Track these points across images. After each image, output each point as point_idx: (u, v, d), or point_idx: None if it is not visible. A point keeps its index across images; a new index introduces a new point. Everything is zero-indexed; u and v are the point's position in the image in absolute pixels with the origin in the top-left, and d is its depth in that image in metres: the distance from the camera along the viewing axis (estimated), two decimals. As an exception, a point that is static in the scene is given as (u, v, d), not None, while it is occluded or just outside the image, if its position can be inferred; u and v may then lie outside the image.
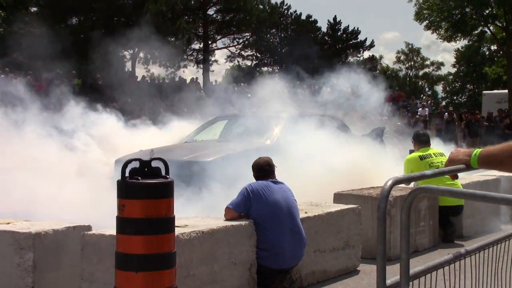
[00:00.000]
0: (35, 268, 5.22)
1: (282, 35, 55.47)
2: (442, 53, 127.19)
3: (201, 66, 48.58)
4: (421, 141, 9.30)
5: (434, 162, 8.92)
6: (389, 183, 2.58)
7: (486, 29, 40.32)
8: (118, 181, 3.98)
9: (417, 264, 2.99)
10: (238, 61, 54.98)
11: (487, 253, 3.44)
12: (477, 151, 2.77)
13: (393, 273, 2.81)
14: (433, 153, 9.13)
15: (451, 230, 8.76)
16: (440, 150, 9.59)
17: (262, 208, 6.04)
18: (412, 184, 6.42)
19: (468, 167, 2.80)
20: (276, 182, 6.32)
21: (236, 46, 53.29)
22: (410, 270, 2.77)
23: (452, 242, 8.57)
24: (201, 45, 48.97)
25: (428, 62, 75.75)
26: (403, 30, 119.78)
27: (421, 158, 9.01)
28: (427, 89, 73.35)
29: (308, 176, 9.23)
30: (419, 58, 76.16)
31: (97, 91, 20.66)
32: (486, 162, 2.72)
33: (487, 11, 37.75)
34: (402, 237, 2.66)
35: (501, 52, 42.36)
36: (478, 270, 3.40)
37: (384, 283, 2.65)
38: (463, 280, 3.35)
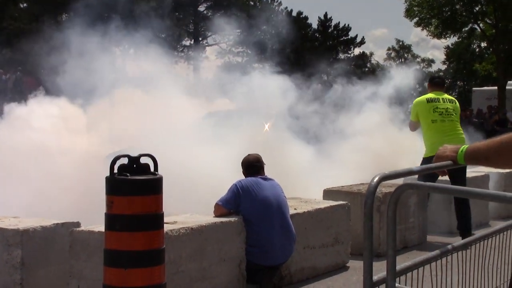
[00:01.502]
0: (23, 265, 5.20)
1: (273, 32, 55.43)
2: (431, 50, 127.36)
3: (192, 62, 48.47)
4: (434, 83, 8.93)
5: (439, 108, 8.54)
6: (376, 179, 2.59)
7: (476, 26, 40.43)
8: (107, 177, 3.98)
9: (406, 260, 3.00)
10: (228, 58, 54.92)
11: (474, 249, 3.45)
12: (464, 147, 2.79)
13: (382, 269, 2.82)
14: (442, 98, 8.68)
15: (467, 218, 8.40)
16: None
17: (252, 204, 6.05)
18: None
19: (455, 163, 2.82)
20: (266, 179, 6.33)
21: (227, 43, 53.22)
22: (398, 266, 2.78)
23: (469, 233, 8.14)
24: (192, 42, 48.89)
25: (419, 59, 75.97)
26: (392, 27, 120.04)
27: (428, 100, 8.61)
28: (417, 86, 73.52)
29: None
30: (409, 55, 76.34)
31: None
32: (473, 158, 2.74)
33: (477, 8, 37.84)
34: (389, 233, 2.67)
35: (491, 49, 42.49)
36: (465, 265, 3.41)
37: (371, 279, 2.66)
38: (450, 276, 3.37)
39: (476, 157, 2.72)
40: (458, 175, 8.04)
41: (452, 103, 8.71)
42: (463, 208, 8.39)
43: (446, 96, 8.83)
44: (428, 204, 8.64)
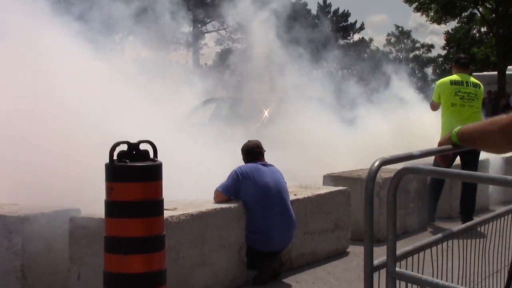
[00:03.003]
0: (24, 251, 5.21)
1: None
2: (430, 35, 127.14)
3: (191, 49, 48.34)
4: (460, 64, 8.64)
5: (461, 91, 8.34)
6: (376, 163, 2.59)
7: (475, 10, 40.32)
8: (106, 164, 3.97)
9: (406, 245, 3.00)
10: (228, 44, 54.77)
11: (474, 234, 3.45)
12: (457, 128, 2.78)
13: (382, 254, 2.81)
14: (467, 81, 8.43)
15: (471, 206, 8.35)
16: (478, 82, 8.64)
17: (252, 190, 6.05)
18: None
19: (454, 146, 2.80)
20: (266, 165, 6.33)
21: (226, 29, 53.08)
22: (398, 251, 2.78)
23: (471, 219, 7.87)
24: (191, 28, 48.73)
25: (418, 45, 75.88)
26: (390, 13, 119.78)
27: (452, 82, 8.43)
28: (417, 72, 73.49)
29: None
30: (409, 41, 76.25)
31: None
32: (463, 139, 2.73)
33: (476, -7, 37.77)
34: (389, 218, 2.67)
35: (491, 34, 42.39)
36: (466, 250, 3.41)
37: (371, 264, 2.66)
38: (451, 261, 3.37)
39: (465, 138, 2.71)
40: (470, 161, 8.00)
41: (476, 87, 8.48)
42: (469, 193, 8.37)
43: (471, 79, 8.60)
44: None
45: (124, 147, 3.97)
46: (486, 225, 3.52)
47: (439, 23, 40.82)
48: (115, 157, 3.95)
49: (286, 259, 6.37)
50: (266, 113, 11.80)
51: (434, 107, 8.88)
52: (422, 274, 2.82)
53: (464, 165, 8.11)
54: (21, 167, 6.78)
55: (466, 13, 41.17)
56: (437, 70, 70.45)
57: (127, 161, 3.92)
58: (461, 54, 9.67)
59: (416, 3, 38.89)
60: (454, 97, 8.37)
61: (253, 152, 6.38)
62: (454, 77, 8.56)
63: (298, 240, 6.49)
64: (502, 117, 2.50)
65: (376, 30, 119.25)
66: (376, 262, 2.72)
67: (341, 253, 7.09)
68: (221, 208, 5.78)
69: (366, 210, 2.66)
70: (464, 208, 8.39)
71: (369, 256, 2.66)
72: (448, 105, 8.40)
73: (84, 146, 7.08)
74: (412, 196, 8.24)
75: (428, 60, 74.69)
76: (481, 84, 8.63)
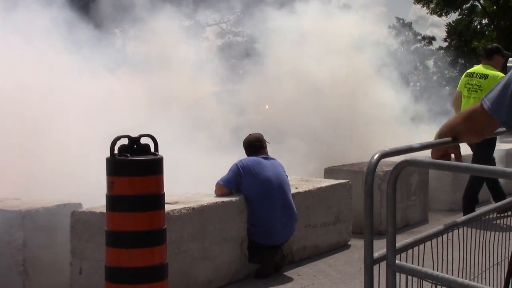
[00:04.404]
0: (25, 246, 5.22)
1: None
2: (430, 27, 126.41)
3: (192, 43, 48.25)
4: (481, 55, 8.79)
5: (469, 83, 8.35)
6: (376, 156, 2.59)
7: (476, 2, 40.25)
8: (107, 158, 3.97)
9: (407, 238, 3.00)
10: (229, 38, 54.64)
11: (475, 226, 3.45)
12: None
13: (383, 247, 2.82)
14: (477, 73, 8.38)
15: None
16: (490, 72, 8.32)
17: (253, 184, 6.06)
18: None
19: (454, 139, 2.80)
20: (268, 158, 6.33)
21: (227, 23, 52.97)
22: (398, 243, 2.78)
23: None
24: (192, 22, 48.66)
25: (419, 37, 75.64)
26: (390, 5, 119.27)
27: (466, 75, 8.47)
28: (418, 64, 73.31)
29: None
30: (410, 33, 76.01)
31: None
32: (440, 135, 2.80)
33: (477, -15, 37.71)
34: (389, 210, 2.67)
35: (492, 26, 42.30)
36: (466, 242, 3.41)
37: (372, 256, 2.66)
38: (451, 253, 3.37)
39: (441, 133, 2.76)
40: (480, 153, 7.95)
41: (482, 78, 8.28)
42: (474, 186, 8.35)
43: (482, 70, 8.40)
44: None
45: (125, 141, 3.97)
46: (487, 217, 3.52)
47: (440, 15, 40.77)
48: (116, 151, 3.95)
49: (287, 252, 6.38)
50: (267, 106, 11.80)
51: (455, 98, 8.78)
52: (422, 266, 2.82)
53: (474, 159, 8.09)
54: (23, 162, 6.80)
55: (467, 5, 41.09)
56: (439, 62, 70.29)
57: (128, 155, 3.93)
58: (488, 44, 9.66)
59: (417, -5, 38.85)
60: (464, 89, 8.45)
61: (254, 145, 6.38)
62: (472, 68, 8.63)
63: (300, 233, 6.50)
64: (467, 109, 2.66)
65: (376, 23, 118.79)
66: (376, 254, 2.72)
67: (343, 246, 7.10)
68: (222, 201, 5.79)
69: (366, 203, 2.67)
70: (467, 200, 8.39)
71: (369, 249, 2.66)
72: (462, 98, 8.48)
73: (85, 140, 7.09)
74: (413, 189, 8.24)
75: (429, 53, 74.43)
76: (490, 75, 8.25)
